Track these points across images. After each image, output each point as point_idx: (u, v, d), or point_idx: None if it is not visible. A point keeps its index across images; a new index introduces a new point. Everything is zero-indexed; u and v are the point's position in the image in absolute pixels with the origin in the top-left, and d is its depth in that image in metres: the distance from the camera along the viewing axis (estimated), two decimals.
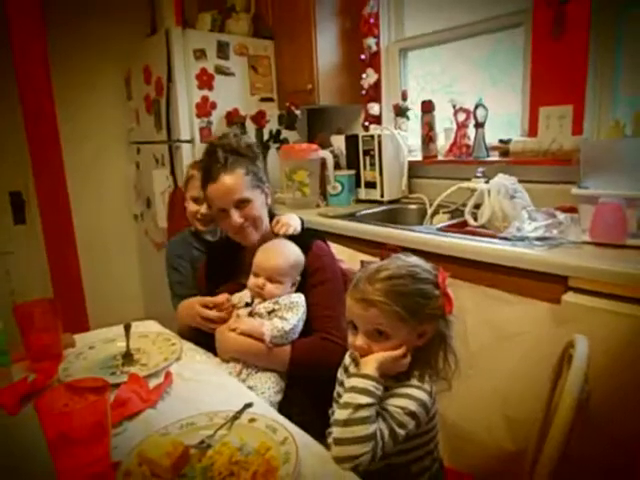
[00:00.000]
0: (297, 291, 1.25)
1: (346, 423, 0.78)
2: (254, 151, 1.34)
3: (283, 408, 1.09)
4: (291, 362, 1.17)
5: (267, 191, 1.36)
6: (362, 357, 0.88)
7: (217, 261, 1.42)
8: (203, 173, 1.31)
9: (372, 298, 0.85)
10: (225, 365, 1.20)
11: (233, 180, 1.26)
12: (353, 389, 0.82)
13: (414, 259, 0.93)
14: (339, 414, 0.80)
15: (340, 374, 1.00)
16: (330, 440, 0.81)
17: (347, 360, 0.99)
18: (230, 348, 1.20)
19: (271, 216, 1.40)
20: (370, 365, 0.84)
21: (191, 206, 1.64)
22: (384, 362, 0.85)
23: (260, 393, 1.13)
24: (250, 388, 1.11)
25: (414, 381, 0.87)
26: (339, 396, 0.96)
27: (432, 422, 0.92)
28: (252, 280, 1.24)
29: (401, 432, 0.82)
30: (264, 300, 1.22)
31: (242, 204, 1.27)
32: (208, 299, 1.27)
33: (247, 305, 1.24)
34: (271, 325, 1.16)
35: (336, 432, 0.79)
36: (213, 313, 1.25)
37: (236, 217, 1.26)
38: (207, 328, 1.26)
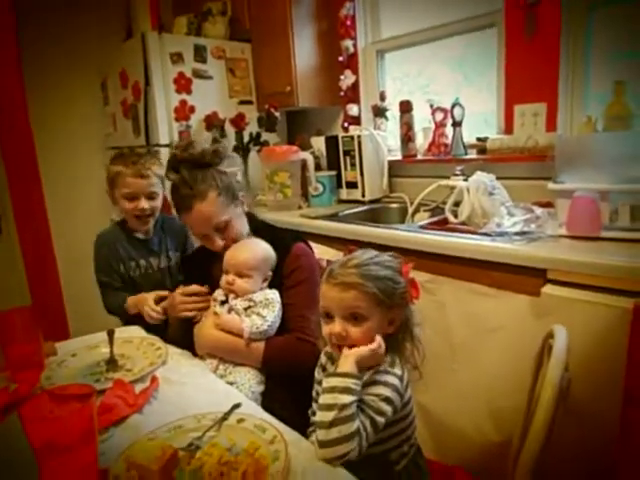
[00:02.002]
0: (272, 289, 1.27)
1: (332, 424, 0.78)
2: (220, 155, 1.30)
3: (265, 402, 1.10)
4: (264, 359, 1.18)
5: (242, 199, 1.35)
6: (339, 347, 0.89)
7: (193, 274, 1.40)
8: (174, 199, 1.30)
9: (350, 280, 0.88)
10: (203, 361, 1.22)
11: (207, 207, 1.25)
12: (334, 389, 0.81)
13: (376, 252, 0.96)
14: (323, 416, 0.80)
15: (317, 373, 1.01)
16: (314, 442, 0.81)
17: (323, 359, 1.00)
18: (206, 344, 1.23)
19: (250, 218, 1.40)
20: (348, 362, 0.85)
21: (126, 204, 1.54)
22: (362, 357, 0.86)
23: (241, 385, 1.14)
24: (230, 384, 1.12)
25: (385, 366, 0.89)
26: (318, 395, 0.96)
27: (407, 407, 0.93)
28: (223, 278, 1.26)
29: (381, 420, 0.83)
30: (237, 297, 1.24)
31: (221, 227, 1.28)
32: (189, 289, 1.32)
33: (223, 303, 1.26)
34: (250, 322, 1.18)
35: (321, 435, 0.79)
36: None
37: (219, 241, 1.29)
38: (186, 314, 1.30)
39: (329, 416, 0.79)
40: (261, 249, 1.28)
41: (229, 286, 1.24)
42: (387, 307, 0.90)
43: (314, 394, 1.01)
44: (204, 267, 1.38)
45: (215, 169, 1.29)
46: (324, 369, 0.99)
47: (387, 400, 0.84)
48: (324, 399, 0.82)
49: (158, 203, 1.59)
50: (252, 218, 1.42)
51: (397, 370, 0.89)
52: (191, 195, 1.24)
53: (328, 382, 0.83)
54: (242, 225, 1.34)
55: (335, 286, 0.89)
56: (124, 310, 1.51)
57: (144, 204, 1.54)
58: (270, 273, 1.28)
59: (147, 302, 1.41)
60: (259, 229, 1.39)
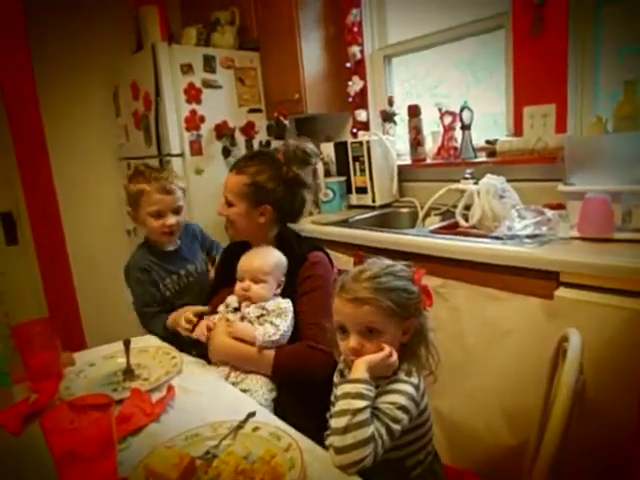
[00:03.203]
0: (286, 297, 1.28)
1: (346, 430, 0.79)
2: (290, 160, 1.38)
3: (277, 411, 1.11)
4: (274, 367, 1.19)
5: (263, 210, 1.36)
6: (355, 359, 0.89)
7: (226, 264, 1.45)
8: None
9: (363, 296, 0.88)
10: (215, 369, 1.23)
11: (233, 180, 1.37)
12: (347, 395, 0.82)
13: (388, 261, 0.97)
14: (336, 422, 0.81)
15: (336, 377, 1.02)
16: (330, 450, 0.81)
17: (341, 365, 1.01)
18: (218, 351, 1.25)
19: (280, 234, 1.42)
20: (360, 369, 0.85)
21: (152, 222, 1.51)
22: (373, 364, 0.86)
23: (254, 392, 1.16)
24: (244, 391, 1.13)
25: (401, 375, 0.89)
26: (336, 399, 0.97)
27: (423, 415, 0.93)
28: (238, 285, 1.28)
29: (397, 427, 0.83)
30: (252, 304, 1.25)
31: (229, 202, 1.37)
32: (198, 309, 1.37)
33: (236, 310, 1.27)
34: (263, 330, 1.20)
35: (336, 441, 0.79)
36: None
37: (220, 208, 1.39)
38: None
39: (343, 422, 0.80)
40: (273, 255, 1.31)
41: (245, 292, 1.26)
42: (402, 318, 0.90)
43: (332, 398, 1.02)
44: (229, 265, 1.39)
45: (277, 170, 1.36)
46: (342, 374, 1.00)
47: (403, 408, 0.85)
48: (338, 406, 0.83)
49: (183, 216, 1.56)
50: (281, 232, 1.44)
51: (413, 379, 0.89)
52: (237, 165, 1.39)
53: (341, 389, 0.84)
54: (244, 221, 1.37)
55: (349, 302, 0.90)
56: (168, 332, 1.43)
57: (171, 220, 1.50)
58: (283, 278, 1.30)
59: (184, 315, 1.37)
60: (284, 236, 1.42)
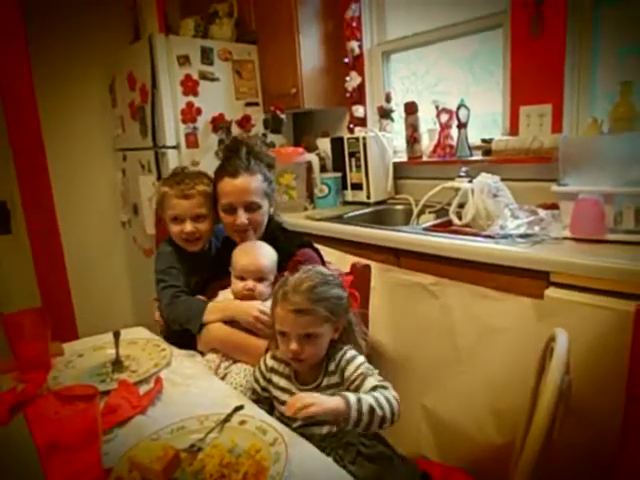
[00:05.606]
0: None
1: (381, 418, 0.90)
2: (271, 161, 1.41)
3: None
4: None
5: (272, 201, 1.41)
6: (294, 359, 0.99)
7: (221, 259, 1.39)
8: (222, 164, 1.36)
9: (304, 307, 0.97)
10: (204, 359, 1.24)
11: (252, 182, 1.32)
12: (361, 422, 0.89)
13: (320, 268, 1.08)
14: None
15: (262, 375, 1.08)
16: None
17: (273, 363, 1.07)
18: (215, 339, 1.24)
19: (269, 219, 1.43)
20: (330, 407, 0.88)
21: (172, 227, 1.44)
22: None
23: (235, 374, 1.18)
24: (225, 375, 1.18)
25: (350, 347, 1.05)
26: (265, 392, 1.08)
27: None
28: (239, 285, 1.26)
29: (378, 376, 0.99)
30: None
31: (252, 207, 1.33)
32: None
33: None
34: None
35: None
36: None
37: (243, 218, 1.32)
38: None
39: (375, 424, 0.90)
40: (272, 251, 1.31)
41: (249, 292, 1.24)
42: (334, 321, 1.01)
43: (257, 373, 1.09)
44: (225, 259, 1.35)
45: (266, 166, 1.38)
46: (272, 370, 1.07)
47: (366, 362, 1.01)
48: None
49: (206, 225, 1.43)
50: (270, 218, 1.44)
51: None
52: (241, 165, 1.31)
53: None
54: (265, 218, 1.38)
55: (290, 312, 0.97)
56: (199, 319, 1.27)
57: (189, 227, 1.40)
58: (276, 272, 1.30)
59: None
60: (273, 230, 1.41)
